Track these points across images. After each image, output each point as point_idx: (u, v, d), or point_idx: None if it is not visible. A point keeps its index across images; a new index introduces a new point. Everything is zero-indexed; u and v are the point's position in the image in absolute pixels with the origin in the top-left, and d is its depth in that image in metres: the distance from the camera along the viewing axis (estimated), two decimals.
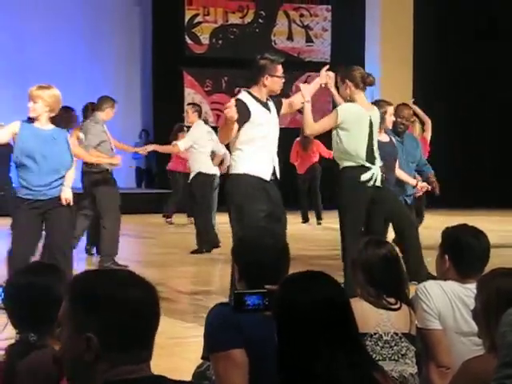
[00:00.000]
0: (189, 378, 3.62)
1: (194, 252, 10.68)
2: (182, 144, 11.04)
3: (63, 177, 6.44)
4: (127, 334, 1.96)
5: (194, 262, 10.25)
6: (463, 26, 18.52)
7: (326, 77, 6.93)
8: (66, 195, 6.42)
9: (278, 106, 6.49)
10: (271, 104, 6.40)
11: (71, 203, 6.46)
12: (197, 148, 10.87)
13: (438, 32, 18.47)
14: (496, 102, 18.12)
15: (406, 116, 8.18)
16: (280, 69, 6.29)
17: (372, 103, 7.41)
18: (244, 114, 6.12)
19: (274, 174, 6.29)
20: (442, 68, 18.46)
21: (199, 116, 11.31)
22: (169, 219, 14.76)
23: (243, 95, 6.32)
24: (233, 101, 6.02)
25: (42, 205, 6.40)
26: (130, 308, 1.97)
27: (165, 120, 15.78)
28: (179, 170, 14.09)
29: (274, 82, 6.25)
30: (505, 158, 17.28)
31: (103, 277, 2.06)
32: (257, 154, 6.19)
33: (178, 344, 5.90)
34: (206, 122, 11.77)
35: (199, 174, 10.88)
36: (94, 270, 2.15)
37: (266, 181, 6.21)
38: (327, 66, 7.10)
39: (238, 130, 6.15)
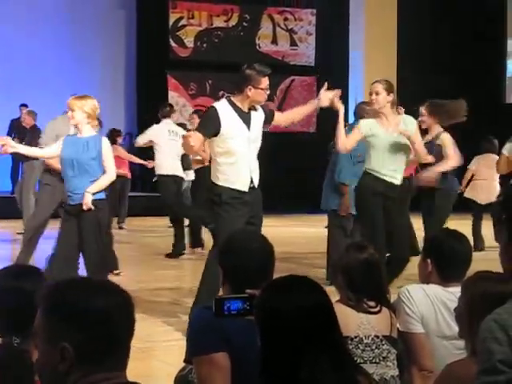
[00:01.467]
0: (169, 381, 3.62)
1: (168, 255, 10.64)
2: (139, 139, 11.05)
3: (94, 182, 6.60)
4: (102, 344, 1.96)
5: (175, 264, 10.25)
6: (447, 29, 18.59)
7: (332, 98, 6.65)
8: (85, 200, 6.49)
9: (269, 117, 6.42)
10: (255, 114, 6.31)
11: (91, 208, 6.50)
12: (156, 148, 10.71)
13: (423, 37, 18.53)
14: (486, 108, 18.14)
15: None
16: (265, 81, 6.22)
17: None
18: (211, 128, 6.12)
19: (252, 182, 6.27)
20: (426, 69, 18.52)
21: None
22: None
23: (221, 103, 6.30)
24: (191, 132, 6.07)
25: (72, 209, 6.63)
26: (104, 318, 1.97)
27: (149, 123, 15.70)
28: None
29: (258, 93, 6.19)
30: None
31: (77, 286, 2.05)
32: (233, 166, 6.14)
33: (158, 347, 5.89)
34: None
35: (158, 175, 10.76)
36: (69, 279, 2.12)
37: (244, 192, 6.20)
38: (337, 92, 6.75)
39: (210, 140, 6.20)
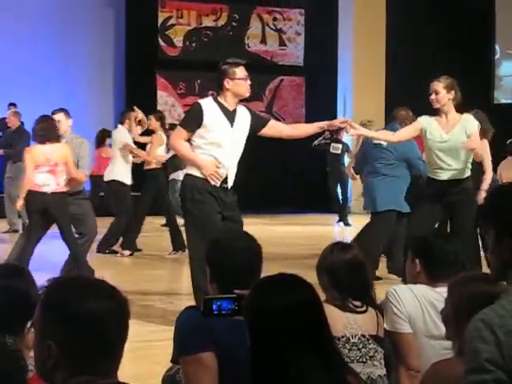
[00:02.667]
0: (157, 381, 3.61)
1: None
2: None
3: None
4: (89, 346, 1.98)
5: (162, 264, 10.24)
6: (435, 29, 18.62)
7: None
8: None
9: (258, 123, 6.39)
10: (241, 113, 6.32)
11: None
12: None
13: (411, 37, 18.55)
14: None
15: None
16: (240, 71, 6.23)
17: None
18: (193, 124, 6.18)
19: (226, 182, 6.25)
20: (415, 68, 18.54)
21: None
22: None
23: (206, 100, 6.35)
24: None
25: None
26: (93, 321, 1.98)
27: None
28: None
29: (236, 84, 6.20)
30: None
31: (72, 287, 2.07)
32: (211, 158, 6.19)
33: (147, 347, 5.88)
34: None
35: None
36: (67, 279, 2.16)
37: (214, 186, 6.18)
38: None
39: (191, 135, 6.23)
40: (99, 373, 1.98)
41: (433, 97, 6.90)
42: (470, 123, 6.98)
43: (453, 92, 6.90)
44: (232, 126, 6.22)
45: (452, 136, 6.87)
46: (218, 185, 6.16)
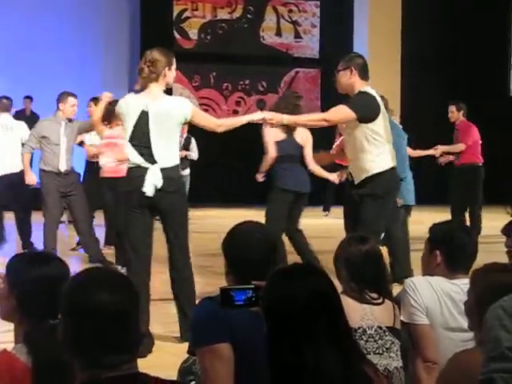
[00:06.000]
0: (175, 373, 3.61)
1: None
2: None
3: None
4: (96, 338, 2.01)
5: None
6: (454, 18, 18.55)
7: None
8: None
9: None
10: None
11: None
12: None
13: (428, 27, 18.49)
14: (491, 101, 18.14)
15: None
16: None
17: None
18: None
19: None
20: (430, 62, 18.49)
21: None
22: None
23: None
24: None
25: None
26: (100, 313, 2.01)
27: None
28: None
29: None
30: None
31: (83, 279, 2.12)
32: None
33: (164, 339, 5.89)
34: None
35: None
36: (83, 270, 2.18)
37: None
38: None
39: None
40: (107, 365, 2.01)
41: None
42: None
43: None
44: None
45: None
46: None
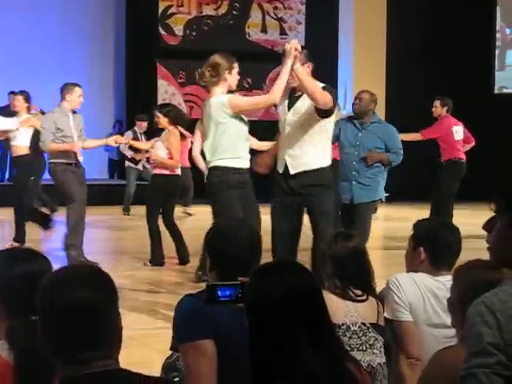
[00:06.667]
0: (159, 369, 3.62)
1: None
2: None
3: None
4: (68, 335, 2.01)
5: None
6: (437, 17, 18.59)
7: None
8: None
9: None
10: None
11: None
12: None
13: (413, 23, 18.52)
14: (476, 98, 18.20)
15: None
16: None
17: None
18: None
19: None
20: (415, 58, 18.53)
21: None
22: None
23: None
24: None
25: None
26: (69, 310, 2.01)
27: (138, 111, 15.72)
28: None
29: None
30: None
31: (55, 276, 2.14)
32: None
33: (150, 335, 5.89)
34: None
35: None
36: (61, 270, 2.18)
37: None
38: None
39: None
40: (84, 362, 2.02)
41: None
42: None
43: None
44: None
45: None
46: None
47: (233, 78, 6.14)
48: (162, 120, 9.12)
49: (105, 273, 2.15)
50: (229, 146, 6.09)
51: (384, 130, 7.74)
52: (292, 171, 6.00)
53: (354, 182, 7.52)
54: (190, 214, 14.40)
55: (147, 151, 10.23)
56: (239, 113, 6.11)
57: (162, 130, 9.28)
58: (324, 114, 5.95)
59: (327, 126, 6.09)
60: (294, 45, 5.87)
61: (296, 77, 5.89)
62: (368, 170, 7.55)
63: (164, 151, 9.07)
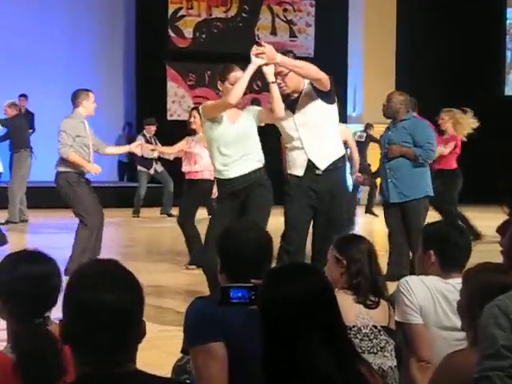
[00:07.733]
0: (170, 371, 3.62)
1: None
2: None
3: None
4: (90, 335, 1.98)
5: (177, 256, 10.26)
6: (447, 21, 18.56)
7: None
8: None
9: None
10: None
11: None
12: None
13: (422, 27, 18.49)
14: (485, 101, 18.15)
15: None
16: None
17: None
18: None
19: None
20: (425, 60, 18.50)
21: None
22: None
23: None
24: None
25: None
26: (92, 310, 1.99)
27: (148, 113, 15.75)
28: None
29: None
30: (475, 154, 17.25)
31: (83, 274, 2.09)
32: None
33: (161, 337, 5.89)
34: None
35: None
36: (84, 267, 2.14)
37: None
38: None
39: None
40: (104, 362, 2.00)
41: None
42: None
43: None
44: None
45: None
46: None
47: (223, 87, 6.11)
48: (199, 121, 8.87)
49: (132, 273, 2.10)
50: (212, 156, 6.25)
51: (412, 124, 7.86)
52: (322, 166, 6.00)
53: (388, 181, 7.75)
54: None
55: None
56: (212, 119, 6.09)
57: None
58: (326, 98, 6.05)
59: (334, 112, 6.16)
60: (253, 51, 5.96)
61: (286, 67, 5.91)
62: (401, 169, 7.68)
63: (201, 149, 8.97)
